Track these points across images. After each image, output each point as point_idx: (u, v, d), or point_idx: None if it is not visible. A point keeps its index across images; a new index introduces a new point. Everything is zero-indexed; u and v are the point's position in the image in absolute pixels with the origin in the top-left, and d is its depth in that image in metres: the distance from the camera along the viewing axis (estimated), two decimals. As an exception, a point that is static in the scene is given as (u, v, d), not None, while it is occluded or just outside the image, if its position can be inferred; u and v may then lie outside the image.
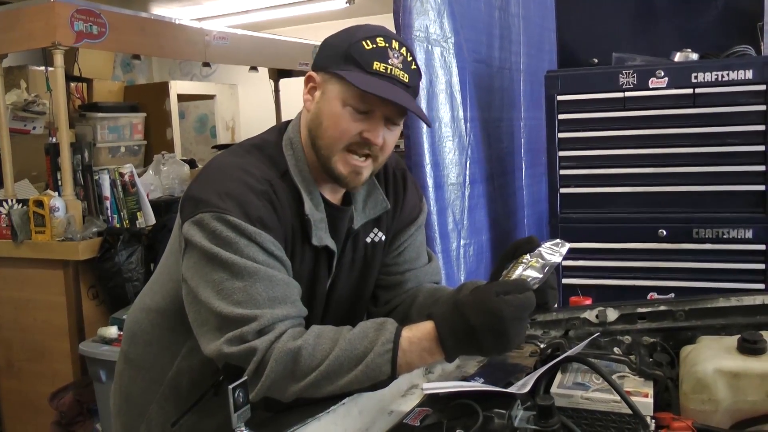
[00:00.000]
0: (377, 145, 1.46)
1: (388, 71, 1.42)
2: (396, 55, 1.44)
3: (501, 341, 1.27)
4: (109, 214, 3.74)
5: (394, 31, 2.65)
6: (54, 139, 3.92)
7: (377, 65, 1.41)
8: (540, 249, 1.40)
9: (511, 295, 1.28)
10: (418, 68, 1.49)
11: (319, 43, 1.55)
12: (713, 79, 3.08)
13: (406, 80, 1.44)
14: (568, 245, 1.41)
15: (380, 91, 1.40)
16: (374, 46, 1.43)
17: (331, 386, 1.31)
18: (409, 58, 1.46)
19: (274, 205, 1.44)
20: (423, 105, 2.79)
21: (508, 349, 1.31)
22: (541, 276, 1.36)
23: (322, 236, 1.52)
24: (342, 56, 1.43)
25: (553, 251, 1.40)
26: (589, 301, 2.45)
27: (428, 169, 2.85)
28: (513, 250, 1.44)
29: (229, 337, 1.33)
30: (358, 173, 1.49)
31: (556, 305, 1.47)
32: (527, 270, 1.37)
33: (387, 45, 1.44)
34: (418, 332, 1.33)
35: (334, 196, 1.58)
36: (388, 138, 1.49)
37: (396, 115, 1.47)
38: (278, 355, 1.31)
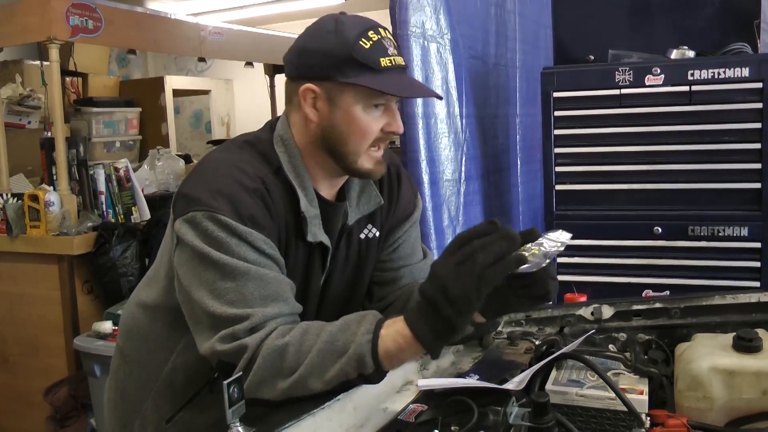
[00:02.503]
0: (400, 134, 1.52)
1: (393, 63, 1.44)
2: (389, 43, 1.46)
3: (458, 305, 1.19)
4: (104, 209, 3.74)
5: (390, 28, 2.65)
6: (49, 134, 3.91)
7: (384, 61, 1.42)
8: (541, 239, 1.38)
9: (454, 255, 1.22)
10: (398, 45, 1.52)
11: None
12: (710, 77, 3.08)
13: (404, 64, 1.48)
14: (569, 235, 1.38)
15: (403, 89, 1.46)
16: (371, 42, 1.43)
17: (318, 382, 1.29)
18: (393, 39, 1.49)
19: (266, 203, 1.43)
20: (420, 101, 2.80)
21: (470, 310, 1.21)
22: (543, 264, 1.32)
23: (316, 232, 1.52)
24: (345, 63, 1.42)
25: (555, 241, 1.38)
26: (584, 298, 2.45)
27: (424, 165, 2.85)
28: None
29: (221, 335, 1.33)
30: (381, 162, 1.52)
31: (556, 296, 1.45)
32: (529, 256, 1.34)
33: (379, 36, 1.45)
34: (394, 318, 1.31)
35: (329, 192, 1.58)
36: None
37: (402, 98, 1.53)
38: (265, 352, 1.30)
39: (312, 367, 1.29)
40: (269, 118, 1.66)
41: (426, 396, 1.38)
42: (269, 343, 1.31)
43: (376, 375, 1.30)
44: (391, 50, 1.45)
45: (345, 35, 1.42)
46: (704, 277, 3.13)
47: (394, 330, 1.28)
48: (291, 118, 1.54)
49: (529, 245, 1.33)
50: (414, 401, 1.37)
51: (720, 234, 3.12)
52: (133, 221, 3.80)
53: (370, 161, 1.50)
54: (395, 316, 1.32)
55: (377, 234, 1.67)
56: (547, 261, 1.29)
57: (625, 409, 1.27)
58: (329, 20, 1.47)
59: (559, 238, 1.35)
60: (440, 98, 1.64)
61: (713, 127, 3.10)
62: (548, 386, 1.39)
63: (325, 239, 1.54)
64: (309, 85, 1.46)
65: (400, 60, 1.46)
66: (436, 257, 2.76)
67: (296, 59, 1.49)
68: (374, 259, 1.69)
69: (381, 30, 1.46)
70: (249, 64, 5.65)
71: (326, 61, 1.43)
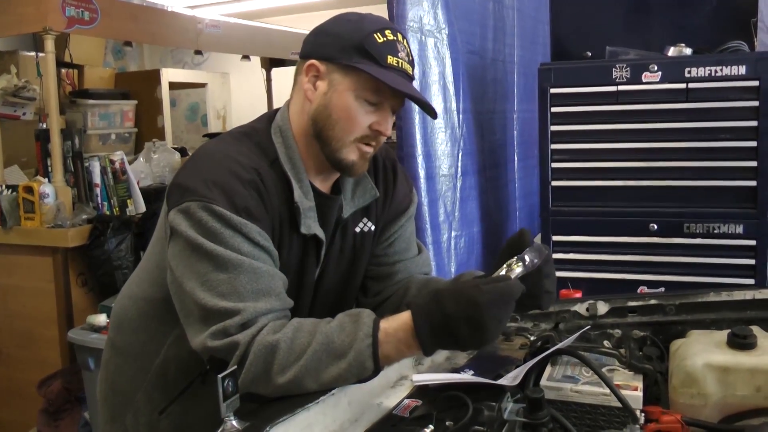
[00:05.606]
0: (387, 136, 1.51)
1: (399, 65, 1.46)
2: (402, 49, 1.48)
3: (477, 332, 1.24)
4: (99, 202, 3.73)
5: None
6: (44, 125, 3.89)
7: (390, 59, 1.44)
8: (527, 251, 1.37)
9: (490, 284, 1.26)
10: (413, 58, 1.53)
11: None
12: (706, 74, 3.08)
13: (410, 72, 1.49)
14: (547, 251, 1.39)
15: (398, 85, 1.43)
16: (385, 39, 1.45)
17: (313, 383, 1.30)
18: (409, 50, 1.51)
19: (261, 195, 1.43)
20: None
21: (484, 341, 1.27)
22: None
23: (311, 225, 1.51)
24: (354, 48, 1.44)
25: (535, 256, 1.38)
26: (579, 294, 2.45)
27: (420, 160, 2.84)
28: (507, 248, 1.42)
29: (213, 330, 1.32)
30: (366, 159, 1.52)
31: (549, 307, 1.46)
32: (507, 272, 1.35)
33: (395, 38, 1.47)
34: (395, 323, 1.31)
35: (324, 185, 1.58)
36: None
37: (400, 105, 1.51)
38: (257, 349, 1.30)
39: (307, 369, 1.29)
40: (265, 111, 1.65)
41: (421, 391, 1.39)
42: (260, 339, 1.31)
43: (373, 376, 1.31)
44: (402, 54, 1.47)
45: (363, 26, 1.46)
46: (699, 274, 3.14)
47: (396, 339, 1.30)
48: (291, 105, 1.56)
49: (513, 259, 1.35)
50: (408, 396, 1.37)
51: (715, 231, 3.13)
52: (128, 214, 3.79)
53: (355, 154, 1.49)
54: (389, 316, 1.33)
55: (372, 228, 1.67)
56: (522, 273, 1.33)
57: (619, 405, 1.27)
58: (356, 13, 1.51)
59: (539, 254, 1.36)
60: (434, 116, 1.61)
61: (710, 124, 3.10)
62: (543, 382, 1.40)
63: (320, 232, 1.54)
64: (314, 61, 1.49)
65: (408, 67, 1.48)
66: (431, 252, 2.74)
67: (312, 38, 1.53)
68: (369, 253, 1.69)
69: (399, 35, 1.49)
70: (246, 57, 5.65)
71: (337, 43, 1.47)
